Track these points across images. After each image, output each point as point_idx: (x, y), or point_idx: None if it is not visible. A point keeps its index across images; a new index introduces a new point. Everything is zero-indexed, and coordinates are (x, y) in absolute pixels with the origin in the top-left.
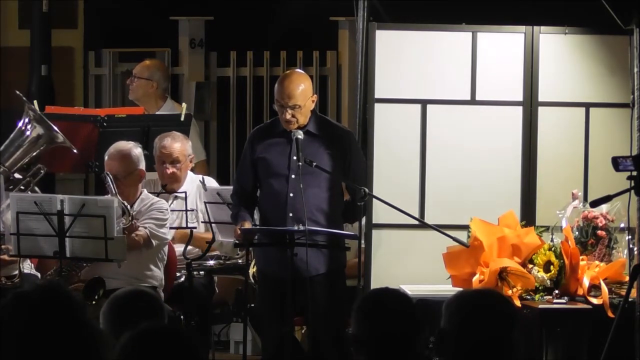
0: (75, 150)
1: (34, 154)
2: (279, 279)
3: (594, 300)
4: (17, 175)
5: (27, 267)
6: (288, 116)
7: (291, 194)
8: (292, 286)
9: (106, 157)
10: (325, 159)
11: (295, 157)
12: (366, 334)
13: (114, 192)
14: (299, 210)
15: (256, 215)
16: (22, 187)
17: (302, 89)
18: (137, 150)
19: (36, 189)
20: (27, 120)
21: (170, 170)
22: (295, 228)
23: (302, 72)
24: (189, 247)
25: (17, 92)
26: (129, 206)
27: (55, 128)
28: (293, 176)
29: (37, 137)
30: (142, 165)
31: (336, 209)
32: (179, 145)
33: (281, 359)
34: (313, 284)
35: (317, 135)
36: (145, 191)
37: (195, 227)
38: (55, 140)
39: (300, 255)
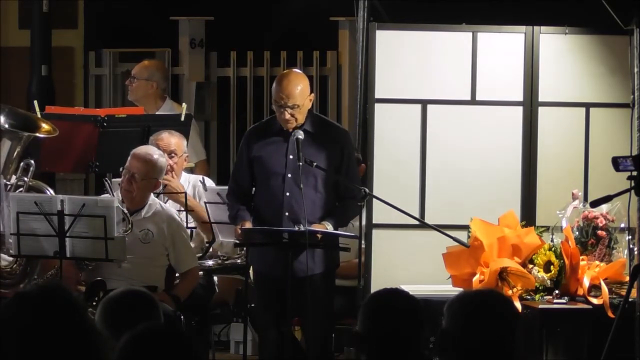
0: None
1: (14, 156)
2: (275, 279)
3: (594, 300)
4: (9, 182)
5: None
6: (287, 116)
7: (287, 193)
8: (291, 286)
9: (130, 156)
10: (322, 158)
11: (291, 156)
12: (371, 332)
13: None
14: (295, 210)
15: None
16: (19, 185)
17: (300, 89)
18: (162, 161)
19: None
20: None
21: (167, 161)
22: (295, 229)
23: (300, 71)
24: None
25: None
26: (128, 214)
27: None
28: (289, 175)
29: (7, 149)
30: (161, 179)
31: (329, 209)
32: (175, 139)
33: (279, 358)
34: (308, 284)
35: (313, 135)
36: (152, 195)
37: (195, 227)
38: (23, 139)
39: (297, 255)
